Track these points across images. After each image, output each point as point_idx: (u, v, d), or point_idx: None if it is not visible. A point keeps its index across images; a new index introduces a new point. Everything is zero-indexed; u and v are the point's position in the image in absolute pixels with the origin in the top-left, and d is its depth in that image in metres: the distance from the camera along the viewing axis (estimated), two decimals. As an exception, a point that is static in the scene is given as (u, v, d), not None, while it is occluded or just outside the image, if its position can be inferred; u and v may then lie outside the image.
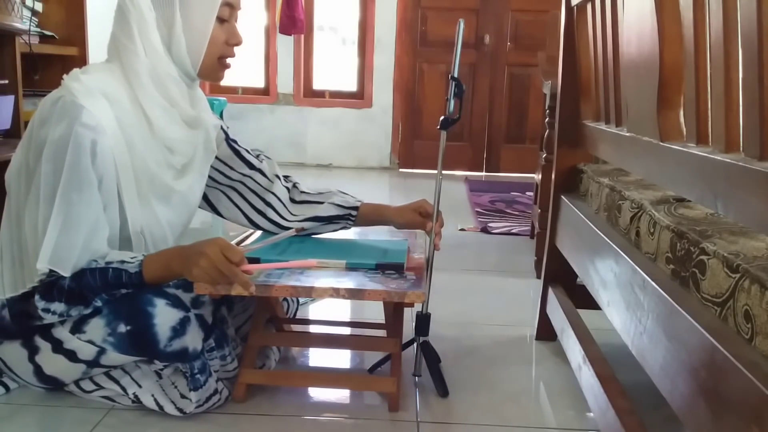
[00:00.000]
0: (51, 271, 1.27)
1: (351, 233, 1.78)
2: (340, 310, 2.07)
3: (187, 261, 1.30)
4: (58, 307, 1.28)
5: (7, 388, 1.42)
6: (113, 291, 1.31)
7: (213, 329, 1.38)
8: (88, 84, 1.31)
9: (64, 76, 1.34)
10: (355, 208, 1.65)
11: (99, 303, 1.31)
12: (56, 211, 1.26)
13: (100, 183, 1.30)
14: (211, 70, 1.43)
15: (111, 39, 1.38)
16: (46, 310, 1.28)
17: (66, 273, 1.27)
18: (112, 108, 1.32)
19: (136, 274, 1.30)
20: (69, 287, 1.28)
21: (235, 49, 1.45)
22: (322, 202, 1.65)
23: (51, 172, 1.27)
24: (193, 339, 1.31)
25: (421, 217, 1.61)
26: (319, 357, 1.70)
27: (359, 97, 5.38)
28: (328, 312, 2.04)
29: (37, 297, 1.28)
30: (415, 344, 1.56)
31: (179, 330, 1.30)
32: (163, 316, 1.30)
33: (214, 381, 1.36)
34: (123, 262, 1.31)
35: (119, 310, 1.31)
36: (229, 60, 1.46)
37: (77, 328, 1.31)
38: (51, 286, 1.28)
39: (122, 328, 1.30)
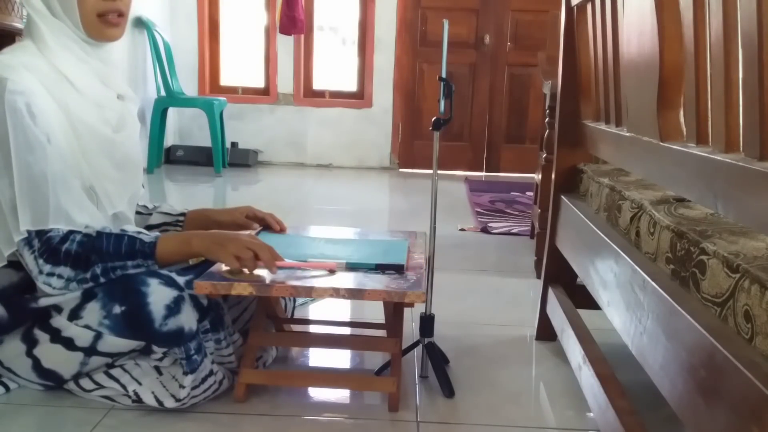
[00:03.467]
0: (47, 235, 1.29)
1: (351, 233, 1.78)
2: (340, 310, 2.07)
3: (213, 241, 1.36)
4: (65, 271, 1.30)
5: (7, 388, 1.42)
6: (122, 260, 1.33)
7: (208, 311, 1.39)
8: (5, 61, 1.34)
9: None
10: (182, 214, 1.70)
11: (98, 270, 1.32)
12: (17, 176, 1.29)
13: (48, 141, 1.32)
14: (94, 29, 1.40)
15: (25, 22, 1.42)
16: (51, 275, 1.30)
17: (54, 225, 1.30)
18: (35, 76, 1.34)
19: (150, 244, 1.34)
20: (76, 252, 1.31)
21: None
22: (151, 213, 1.70)
23: None
24: (188, 318, 1.33)
25: (247, 219, 1.68)
26: (319, 357, 1.70)
27: (359, 97, 5.38)
28: (328, 312, 2.04)
29: (41, 261, 1.30)
30: (420, 345, 1.56)
31: (174, 308, 1.31)
32: (157, 294, 1.31)
33: (209, 362, 1.37)
34: (139, 232, 1.37)
35: (113, 292, 1.33)
36: (114, 16, 1.41)
37: (74, 315, 1.33)
38: (56, 251, 1.30)
39: (117, 309, 1.32)
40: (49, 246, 1.30)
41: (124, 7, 1.42)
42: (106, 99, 1.46)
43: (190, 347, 1.33)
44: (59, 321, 1.34)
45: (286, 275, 1.36)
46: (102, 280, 1.33)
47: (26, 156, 1.29)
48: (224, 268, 1.37)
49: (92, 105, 1.41)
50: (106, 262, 1.32)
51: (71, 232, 1.32)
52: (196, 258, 1.47)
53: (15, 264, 1.36)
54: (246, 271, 1.35)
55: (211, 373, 1.37)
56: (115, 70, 1.51)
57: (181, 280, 1.35)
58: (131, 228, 1.41)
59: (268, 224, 1.70)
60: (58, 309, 1.34)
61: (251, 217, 1.69)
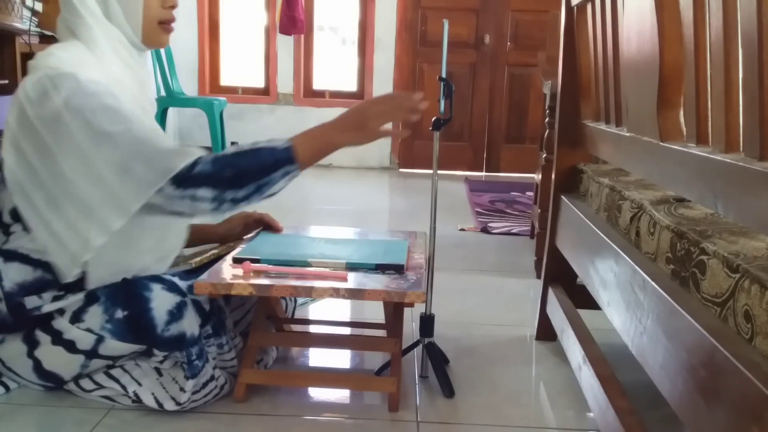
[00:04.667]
0: (175, 173, 1.27)
1: (351, 233, 1.78)
2: (340, 310, 2.07)
3: (351, 128, 1.35)
4: (206, 192, 1.28)
5: (7, 388, 1.42)
6: (269, 174, 1.31)
7: (210, 316, 1.39)
8: (63, 57, 1.34)
9: (29, 62, 1.36)
10: None
11: (253, 186, 1.30)
12: (125, 145, 1.27)
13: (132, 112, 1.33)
14: (153, 35, 1.44)
15: (60, 22, 1.41)
16: (194, 198, 1.28)
17: (182, 164, 1.27)
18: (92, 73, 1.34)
19: (286, 149, 1.32)
20: (213, 171, 1.28)
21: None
22: None
23: (82, 124, 1.27)
24: (190, 323, 1.32)
25: (246, 226, 1.70)
26: (319, 357, 1.70)
27: (359, 97, 5.38)
28: (328, 312, 2.04)
29: (180, 191, 1.28)
30: (420, 345, 1.56)
31: (176, 314, 1.31)
32: (160, 299, 1.31)
33: (210, 367, 1.38)
34: (270, 140, 1.34)
35: (116, 296, 1.33)
36: (171, 24, 1.47)
37: (77, 318, 1.33)
38: (188, 177, 1.28)
39: (119, 313, 1.31)
40: (183, 176, 1.28)
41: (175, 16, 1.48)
42: (148, 103, 1.48)
43: (192, 352, 1.33)
44: (61, 323, 1.33)
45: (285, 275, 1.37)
46: (253, 198, 1.32)
47: (123, 124, 1.29)
48: None
49: (138, 105, 1.42)
50: (258, 180, 1.30)
51: (196, 159, 1.31)
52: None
53: (35, 262, 1.36)
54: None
55: (212, 378, 1.37)
56: (150, 77, 1.52)
57: (183, 285, 1.35)
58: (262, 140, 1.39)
59: (266, 224, 1.72)
60: (60, 311, 1.34)
61: (250, 224, 1.71)
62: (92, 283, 1.36)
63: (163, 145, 1.30)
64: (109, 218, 1.29)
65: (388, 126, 1.42)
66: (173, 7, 1.46)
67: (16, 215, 1.36)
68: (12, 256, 1.35)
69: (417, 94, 1.39)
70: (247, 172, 1.30)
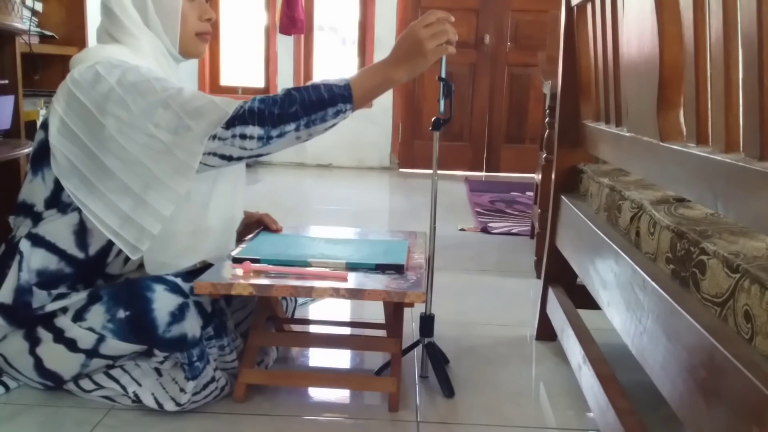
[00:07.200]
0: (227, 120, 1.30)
1: (351, 233, 1.78)
2: (340, 310, 2.08)
3: (406, 63, 1.34)
4: (254, 130, 1.31)
5: (6, 387, 1.42)
6: (324, 108, 1.32)
7: (212, 318, 1.39)
8: (112, 51, 1.39)
9: (75, 56, 1.40)
10: None
11: (303, 121, 1.32)
12: (172, 100, 1.30)
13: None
14: (190, 46, 1.50)
15: (101, 32, 1.46)
16: (243, 136, 1.31)
17: (231, 109, 1.30)
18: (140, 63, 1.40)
19: (344, 86, 1.34)
20: (259, 109, 1.31)
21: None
22: None
23: (135, 97, 1.31)
24: (192, 325, 1.32)
25: (247, 226, 1.71)
26: (319, 357, 1.70)
27: (359, 97, 5.38)
28: (328, 312, 2.04)
29: (230, 131, 1.30)
30: (420, 345, 1.56)
31: (178, 315, 1.31)
32: (162, 301, 1.31)
33: (212, 369, 1.38)
34: (325, 80, 1.36)
35: (118, 296, 1.33)
36: (207, 35, 1.52)
37: (78, 316, 1.33)
38: (236, 117, 1.31)
39: (121, 313, 1.31)
40: (233, 117, 1.30)
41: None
42: None
43: (193, 354, 1.33)
44: (63, 321, 1.34)
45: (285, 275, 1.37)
46: (302, 134, 1.34)
47: (173, 89, 1.32)
48: None
49: None
50: (309, 114, 1.32)
51: (245, 101, 1.34)
52: None
53: (60, 252, 1.37)
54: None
55: (213, 379, 1.37)
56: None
57: (186, 286, 1.36)
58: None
59: (266, 225, 1.72)
60: (63, 309, 1.34)
61: (250, 224, 1.71)
62: (151, 266, 1.39)
63: (212, 97, 1.34)
64: (173, 183, 1.32)
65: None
66: (210, 19, 1.50)
67: (51, 202, 1.39)
68: (40, 241, 1.37)
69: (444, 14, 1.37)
70: (301, 105, 1.31)
